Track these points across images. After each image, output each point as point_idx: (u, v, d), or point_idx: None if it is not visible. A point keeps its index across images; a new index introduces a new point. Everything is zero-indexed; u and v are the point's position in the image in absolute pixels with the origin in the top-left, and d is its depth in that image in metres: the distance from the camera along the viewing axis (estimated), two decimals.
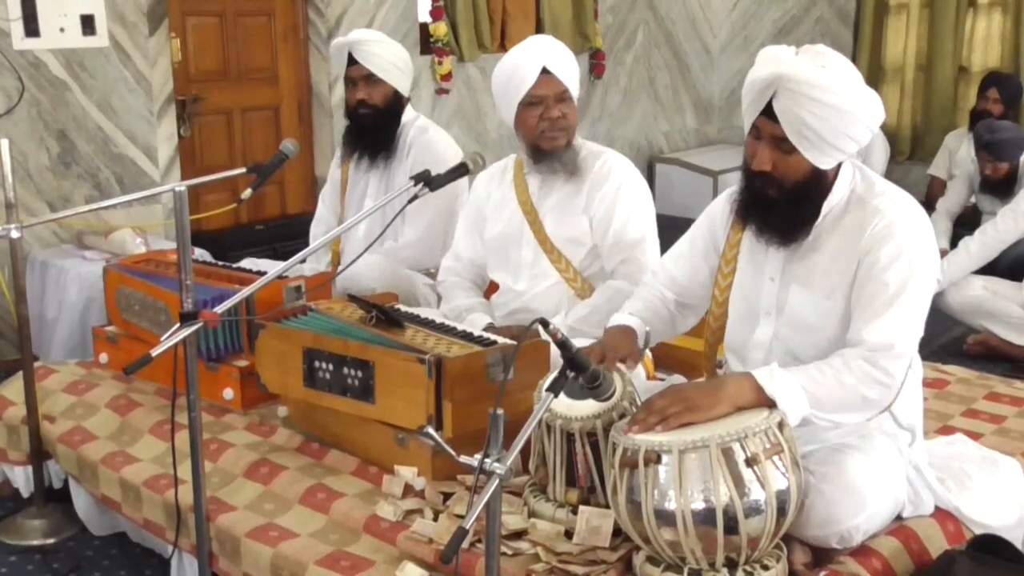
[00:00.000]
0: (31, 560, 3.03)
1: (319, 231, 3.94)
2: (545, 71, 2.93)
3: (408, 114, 3.72)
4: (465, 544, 2.15)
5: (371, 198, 3.70)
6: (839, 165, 2.23)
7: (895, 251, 2.15)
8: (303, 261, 2.94)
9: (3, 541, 3.11)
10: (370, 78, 3.57)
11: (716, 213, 2.51)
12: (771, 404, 2.07)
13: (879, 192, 2.24)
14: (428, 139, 3.64)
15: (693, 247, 2.55)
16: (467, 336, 2.71)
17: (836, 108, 2.07)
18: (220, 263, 3.66)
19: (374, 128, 3.63)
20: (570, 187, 3.06)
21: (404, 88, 3.66)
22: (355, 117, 3.66)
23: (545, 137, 2.99)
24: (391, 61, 3.58)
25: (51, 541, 3.11)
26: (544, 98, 2.95)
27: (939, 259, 2.27)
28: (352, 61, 3.57)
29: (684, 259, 2.56)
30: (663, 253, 2.71)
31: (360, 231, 3.65)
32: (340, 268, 3.14)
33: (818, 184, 2.20)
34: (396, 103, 3.65)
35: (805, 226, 2.23)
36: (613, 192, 3.02)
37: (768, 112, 2.12)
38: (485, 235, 3.23)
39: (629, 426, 2.06)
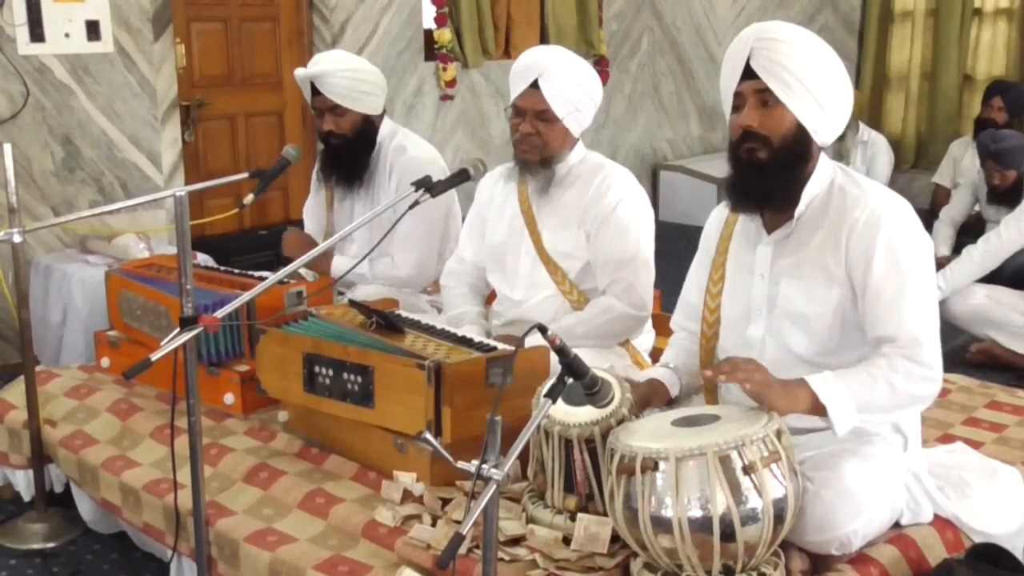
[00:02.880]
0: (31, 564, 3.04)
1: None
2: (535, 85, 2.89)
3: (385, 129, 3.60)
4: (463, 550, 2.15)
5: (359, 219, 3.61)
6: (819, 154, 2.27)
7: (886, 241, 2.18)
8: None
9: (3, 545, 3.12)
10: (336, 108, 3.45)
11: (710, 229, 2.56)
12: (823, 412, 2.10)
13: (859, 185, 2.29)
14: (408, 160, 3.52)
15: (700, 268, 2.58)
16: (467, 342, 2.71)
17: (810, 51, 2.20)
18: (222, 268, 3.66)
19: (347, 156, 3.54)
20: (567, 200, 3.02)
21: (375, 109, 3.53)
22: (327, 145, 3.55)
23: (518, 149, 2.98)
24: (356, 89, 3.44)
25: (51, 545, 3.12)
26: (524, 111, 2.93)
27: (931, 242, 2.29)
28: (316, 91, 3.45)
29: (697, 284, 2.58)
30: (667, 257, 2.71)
31: (351, 251, 3.60)
32: (341, 274, 3.12)
33: (804, 146, 2.23)
34: (367, 127, 3.53)
35: (797, 189, 2.25)
36: (608, 209, 2.96)
37: (747, 75, 2.20)
38: (486, 239, 3.22)
39: (711, 370, 2.13)
